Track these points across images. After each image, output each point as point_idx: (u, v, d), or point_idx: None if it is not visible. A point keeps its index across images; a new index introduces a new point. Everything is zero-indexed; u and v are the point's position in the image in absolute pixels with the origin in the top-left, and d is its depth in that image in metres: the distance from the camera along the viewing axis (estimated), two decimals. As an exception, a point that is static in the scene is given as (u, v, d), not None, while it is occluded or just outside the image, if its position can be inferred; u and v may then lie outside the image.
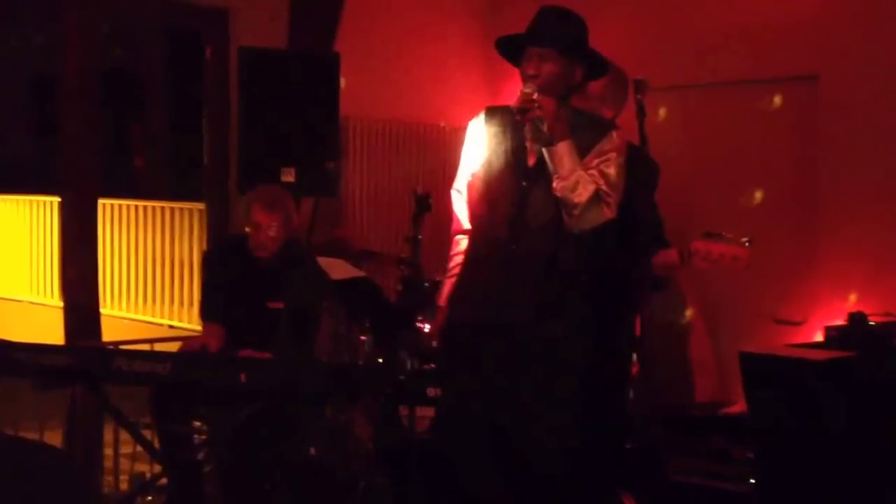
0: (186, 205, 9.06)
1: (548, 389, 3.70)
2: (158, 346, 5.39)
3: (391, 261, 6.06)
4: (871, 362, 4.40)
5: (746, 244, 4.03)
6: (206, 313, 4.89)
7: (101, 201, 9.41)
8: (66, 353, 4.27)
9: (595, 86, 4.13)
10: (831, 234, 5.82)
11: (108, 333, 6.17)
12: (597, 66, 3.79)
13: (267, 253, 4.80)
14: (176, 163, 11.40)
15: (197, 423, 4.74)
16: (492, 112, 3.86)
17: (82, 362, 4.19)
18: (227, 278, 4.88)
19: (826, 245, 5.85)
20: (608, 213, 3.64)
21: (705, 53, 6.22)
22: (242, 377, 3.98)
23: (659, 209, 4.47)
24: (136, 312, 9.47)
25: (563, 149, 3.59)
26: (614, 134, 3.73)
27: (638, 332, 5.34)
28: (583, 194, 3.57)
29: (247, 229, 4.81)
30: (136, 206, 9.67)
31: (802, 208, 5.97)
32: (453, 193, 3.96)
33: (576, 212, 3.60)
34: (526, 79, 3.67)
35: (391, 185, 6.89)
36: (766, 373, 4.36)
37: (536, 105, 3.55)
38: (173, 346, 5.10)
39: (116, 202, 9.71)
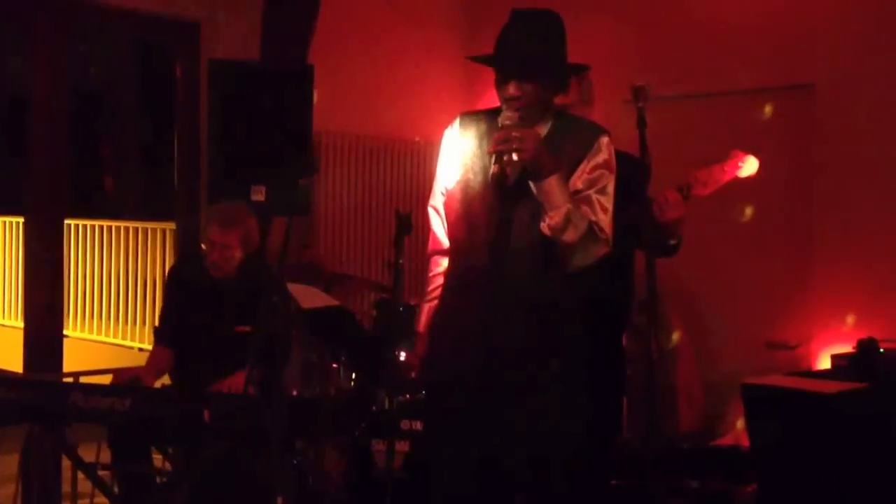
0: (158, 224, 8.94)
1: (536, 428, 3.36)
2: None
3: (365, 284, 5.81)
4: (885, 394, 4.11)
5: (749, 153, 3.72)
6: (157, 335, 4.76)
7: (71, 222, 9.60)
8: (20, 388, 4.10)
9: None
10: (828, 251, 5.61)
11: (76, 357, 6.11)
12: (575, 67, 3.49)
13: (222, 273, 4.60)
14: (148, 182, 11.28)
15: (158, 465, 4.61)
16: (467, 120, 3.52)
17: (36, 397, 4.04)
18: (185, 298, 4.70)
19: (822, 263, 5.62)
20: (603, 250, 3.32)
21: (695, 63, 6.04)
22: (206, 415, 3.82)
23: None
24: (105, 335, 9.32)
25: (551, 183, 3.25)
26: (604, 142, 3.38)
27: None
28: (573, 234, 3.24)
29: (203, 247, 4.61)
30: (107, 227, 9.55)
31: (797, 223, 5.76)
32: (429, 210, 3.64)
33: (567, 252, 3.29)
34: (506, 101, 3.34)
35: (366, 203, 6.64)
36: (770, 405, 4.08)
37: (515, 147, 3.20)
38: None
39: (86, 222, 9.61)
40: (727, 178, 3.75)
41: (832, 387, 4.04)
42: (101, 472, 4.60)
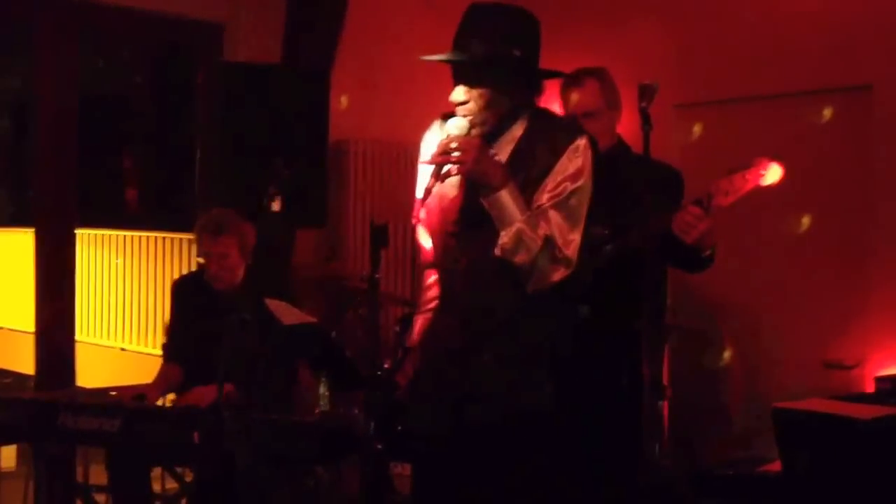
0: (180, 235, 8.77)
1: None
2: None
3: (390, 299, 5.60)
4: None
5: (773, 159, 3.46)
6: (165, 352, 4.68)
7: (91, 232, 9.53)
8: (6, 407, 4.05)
9: (588, 99, 3.79)
10: (888, 263, 5.22)
11: (98, 365, 5.93)
12: (537, 72, 3.16)
13: (225, 284, 4.44)
14: (172, 192, 11.29)
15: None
16: (445, 122, 3.21)
17: (24, 418, 3.99)
18: (190, 314, 4.58)
19: (882, 277, 5.23)
20: (561, 272, 3.01)
21: (746, 64, 5.69)
22: (195, 436, 3.70)
23: None
24: (127, 342, 9.30)
25: (500, 198, 2.97)
26: (579, 146, 3.06)
27: (666, 377, 4.79)
28: (524, 255, 2.97)
29: (200, 261, 4.48)
30: (128, 237, 9.53)
31: (855, 233, 5.38)
32: (415, 222, 3.36)
33: (520, 273, 3.01)
34: (456, 106, 3.06)
35: (395, 213, 6.30)
36: (803, 431, 3.72)
37: (454, 160, 2.95)
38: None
39: (107, 232, 9.63)
40: (749, 186, 3.46)
41: (869, 411, 3.68)
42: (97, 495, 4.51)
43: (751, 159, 3.50)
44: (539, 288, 3.02)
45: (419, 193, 3.25)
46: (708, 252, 3.71)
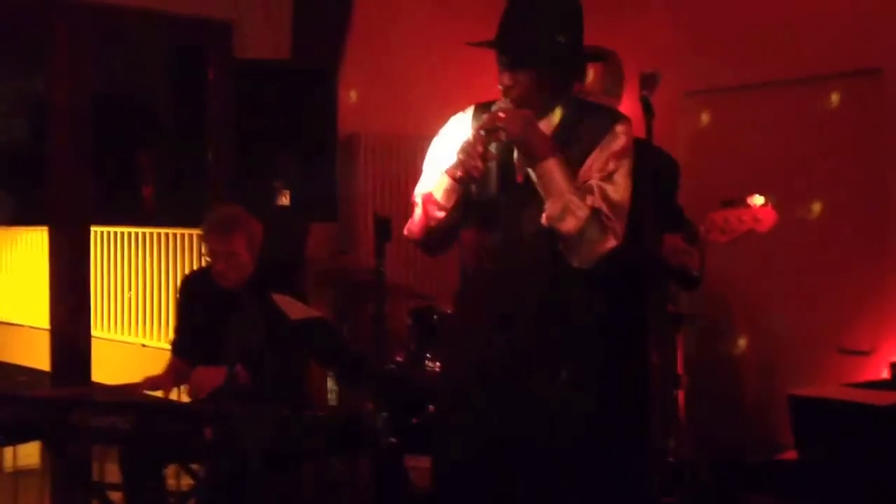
0: (196, 231, 8.68)
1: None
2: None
3: (401, 292, 5.57)
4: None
5: (767, 202, 3.38)
6: (174, 348, 4.62)
7: (109, 229, 9.58)
8: (18, 405, 3.98)
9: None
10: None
11: (118, 361, 6.04)
12: (586, 56, 3.25)
13: (233, 282, 4.37)
14: (187, 189, 11.32)
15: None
16: (481, 110, 3.27)
17: (35, 416, 3.93)
18: (198, 310, 4.53)
19: (896, 260, 5.21)
20: (611, 242, 3.05)
21: (755, 51, 5.66)
22: (208, 433, 3.66)
23: (684, 211, 3.90)
24: (151, 339, 9.33)
25: (548, 167, 3.01)
26: (619, 129, 3.12)
27: (680, 366, 4.78)
28: (572, 222, 2.99)
29: (207, 258, 4.41)
30: (146, 234, 9.58)
31: (867, 219, 5.34)
32: (419, 199, 3.34)
33: (568, 243, 3.03)
34: (502, 90, 3.12)
35: (406, 206, 6.28)
36: (820, 418, 3.70)
37: (501, 126, 3.00)
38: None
39: (124, 230, 9.69)
40: (744, 229, 3.43)
41: (886, 398, 3.65)
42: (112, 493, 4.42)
43: (744, 197, 3.46)
44: (588, 260, 3.05)
45: (433, 171, 3.29)
46: (695, 273, 3.71)
